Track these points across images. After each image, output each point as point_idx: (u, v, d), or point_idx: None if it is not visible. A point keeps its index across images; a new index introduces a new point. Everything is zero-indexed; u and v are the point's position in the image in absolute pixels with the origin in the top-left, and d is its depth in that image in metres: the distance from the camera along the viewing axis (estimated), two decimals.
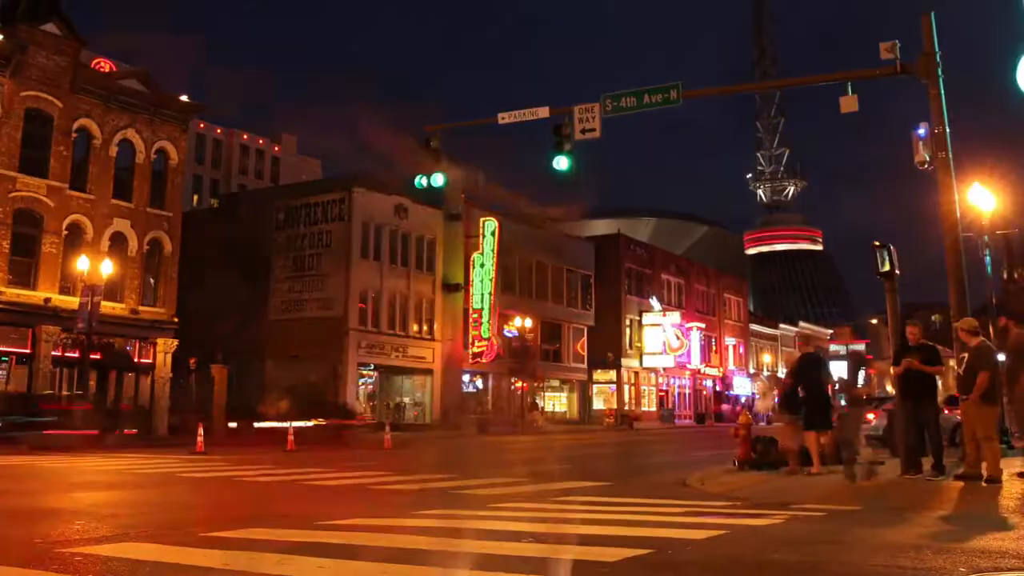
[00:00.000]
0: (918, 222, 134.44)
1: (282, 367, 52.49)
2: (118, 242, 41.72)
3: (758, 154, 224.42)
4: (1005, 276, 41.35)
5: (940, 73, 17.24)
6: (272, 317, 53.32)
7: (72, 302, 37.49)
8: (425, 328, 56.58)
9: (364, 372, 52.88)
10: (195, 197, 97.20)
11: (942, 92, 17.11)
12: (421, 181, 24.36)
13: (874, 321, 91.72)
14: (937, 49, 17.34)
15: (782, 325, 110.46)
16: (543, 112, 22.37)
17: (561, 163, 21.80)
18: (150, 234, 43.25)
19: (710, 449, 30.15)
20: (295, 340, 51.40)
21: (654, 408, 78.73)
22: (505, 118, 22.52)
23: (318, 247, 52.72)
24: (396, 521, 10.78)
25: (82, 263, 36.77)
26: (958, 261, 16.75)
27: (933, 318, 72.12)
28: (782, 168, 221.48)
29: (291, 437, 30.50)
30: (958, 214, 17.27)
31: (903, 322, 16.14)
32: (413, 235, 55.89)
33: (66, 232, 39.66)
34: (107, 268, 37.30)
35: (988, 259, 30.74)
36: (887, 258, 17.13)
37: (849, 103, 18.90)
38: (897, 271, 17.29)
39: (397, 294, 54.54)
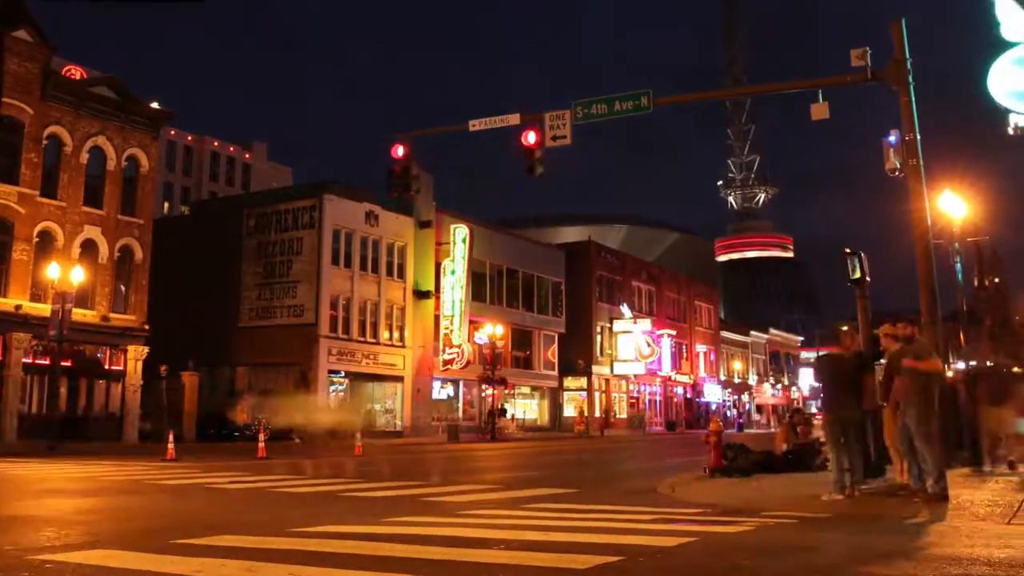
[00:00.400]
0: (890, 229, 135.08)
1: (253, 374, 52.48)
2: (89, 249, 41.48)
3: (729, 161, 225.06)
4: (976, 283, 41.70)
5: (911, 80, 17.32)
6: (243, 324, 53.13)
7: (43, 309, 37.23)
8: (396, 335, 56.46)
9: (335, 379, 52.68)
10: (166, 204, 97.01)
11: (913, 99, 17.20)
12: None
13: (845, 328, 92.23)
14: (908, 56, 17.41)
15: (753, 332, 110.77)
16: (514, 119, 22.41)
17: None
18: (121, 241, 43.01)
19: (681, 456, 30.23)
20: (266, 347, 51.28)
21: (625, 415, 78.86)
22: (476, 125, 22.56)
23: (289, 254, 52.52)
24: (367, 528, 10.75)
25: (53, 270, 36.49)
26: (929, 268, 16.88)
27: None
28: (753, 175, 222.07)
29: (262, 444, 30.43)
30: (929, 221, 17.37)
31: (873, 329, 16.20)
32: (384, 242, 55.78)
33: (37, 239, 39.38)
34: (78, 275, 37.05)
35: (959, 266, 30.99)
36: (858, 265, 17.19)
37: (820, 110, 18.98)
38: (868, 278, 17.35)
39: (368, 301, 54.43)
